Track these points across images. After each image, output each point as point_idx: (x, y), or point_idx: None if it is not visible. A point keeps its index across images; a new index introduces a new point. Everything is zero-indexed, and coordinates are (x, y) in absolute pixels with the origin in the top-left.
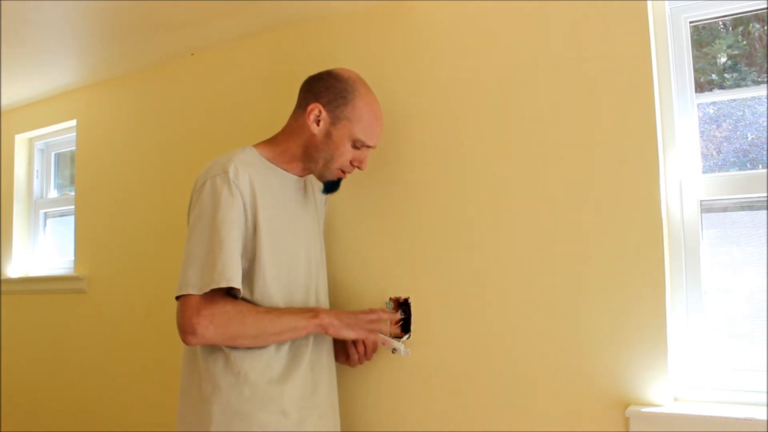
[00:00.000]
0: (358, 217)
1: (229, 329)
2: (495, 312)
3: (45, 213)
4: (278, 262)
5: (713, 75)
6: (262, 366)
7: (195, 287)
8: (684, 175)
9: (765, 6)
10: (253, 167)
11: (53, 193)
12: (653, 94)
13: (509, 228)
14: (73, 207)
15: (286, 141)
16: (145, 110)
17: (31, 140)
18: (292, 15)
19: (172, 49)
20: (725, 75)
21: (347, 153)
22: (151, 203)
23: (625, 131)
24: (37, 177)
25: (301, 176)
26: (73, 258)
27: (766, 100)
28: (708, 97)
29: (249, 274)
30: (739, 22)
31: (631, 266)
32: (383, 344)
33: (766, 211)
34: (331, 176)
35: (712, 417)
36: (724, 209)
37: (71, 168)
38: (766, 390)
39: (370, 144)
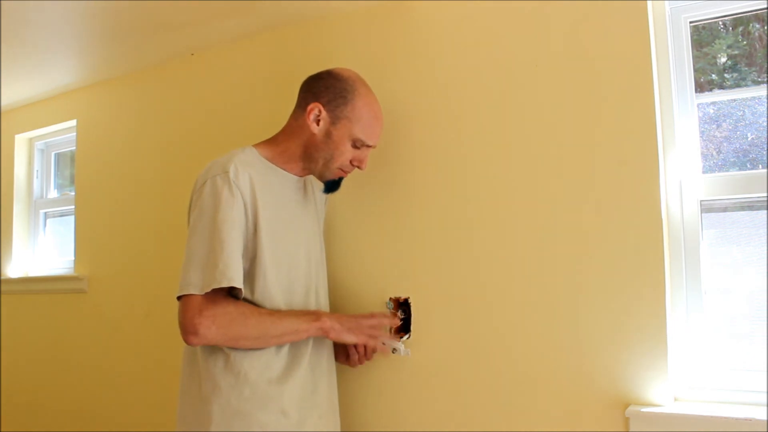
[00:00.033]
0: (358, 217)
1: (232, 330)
2: (495, 312)
3: (45, 213)
4: (279, 262)
5: (713, 75)
6: (262, 366)
7: (197, 287)
8: (684, 175)
9: (765, 6)
10: (253, 167)
11: (53, 193)
12: (653, 94)
13: (509, 228)
14: (73, 207)
15: (286, 141)
16: (145, 110)
17: (31, 140)
18: (292, 15)
19: (172, 49)
20: (725, 75)
21: (347, 152)
22: (151, 203)
23: (625, 131)
24: (37, 177)
25: (301, 176)
26: (73, 258)
27: (766, 100)
28: (708, 97)
29: (250, 274)
30: (739, 22)
31: (631, 266)
32: (383, 344)
33: (766, 211)
34: (331, 176)
35: (712, 417)
36: (724, 209)
37: (71, 168)
38: (766, 390)
39: (370, 143)
